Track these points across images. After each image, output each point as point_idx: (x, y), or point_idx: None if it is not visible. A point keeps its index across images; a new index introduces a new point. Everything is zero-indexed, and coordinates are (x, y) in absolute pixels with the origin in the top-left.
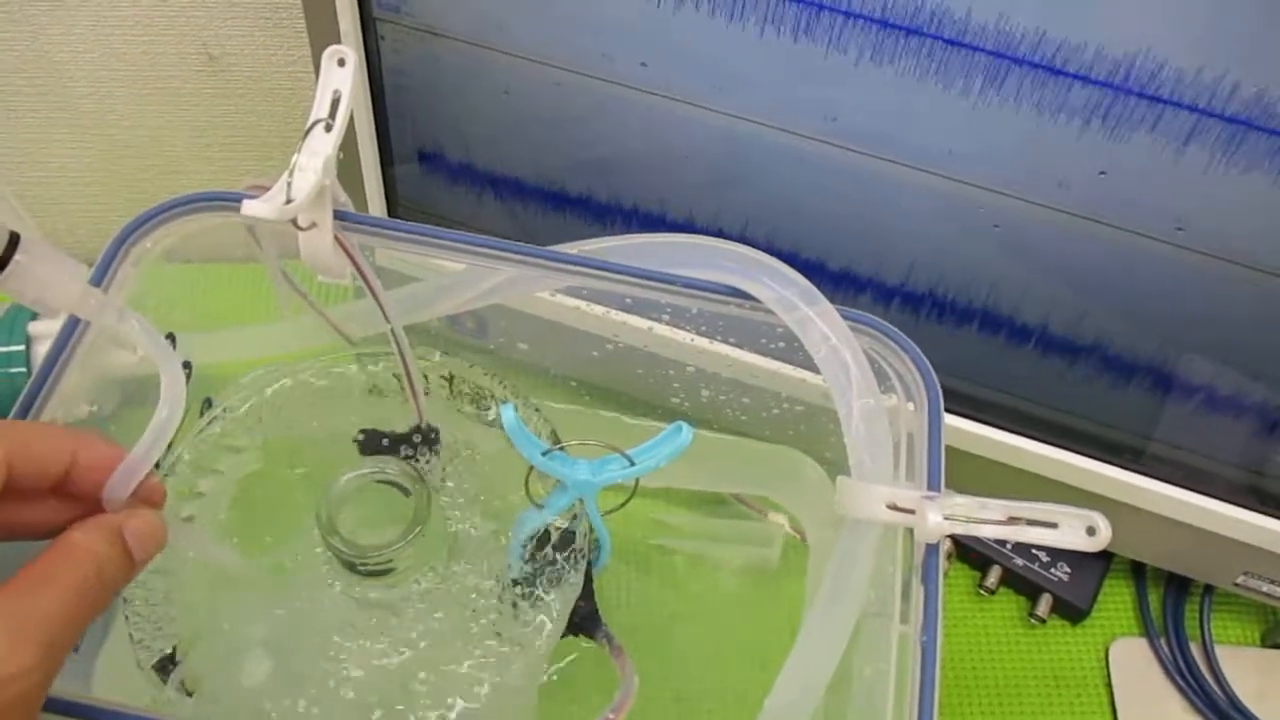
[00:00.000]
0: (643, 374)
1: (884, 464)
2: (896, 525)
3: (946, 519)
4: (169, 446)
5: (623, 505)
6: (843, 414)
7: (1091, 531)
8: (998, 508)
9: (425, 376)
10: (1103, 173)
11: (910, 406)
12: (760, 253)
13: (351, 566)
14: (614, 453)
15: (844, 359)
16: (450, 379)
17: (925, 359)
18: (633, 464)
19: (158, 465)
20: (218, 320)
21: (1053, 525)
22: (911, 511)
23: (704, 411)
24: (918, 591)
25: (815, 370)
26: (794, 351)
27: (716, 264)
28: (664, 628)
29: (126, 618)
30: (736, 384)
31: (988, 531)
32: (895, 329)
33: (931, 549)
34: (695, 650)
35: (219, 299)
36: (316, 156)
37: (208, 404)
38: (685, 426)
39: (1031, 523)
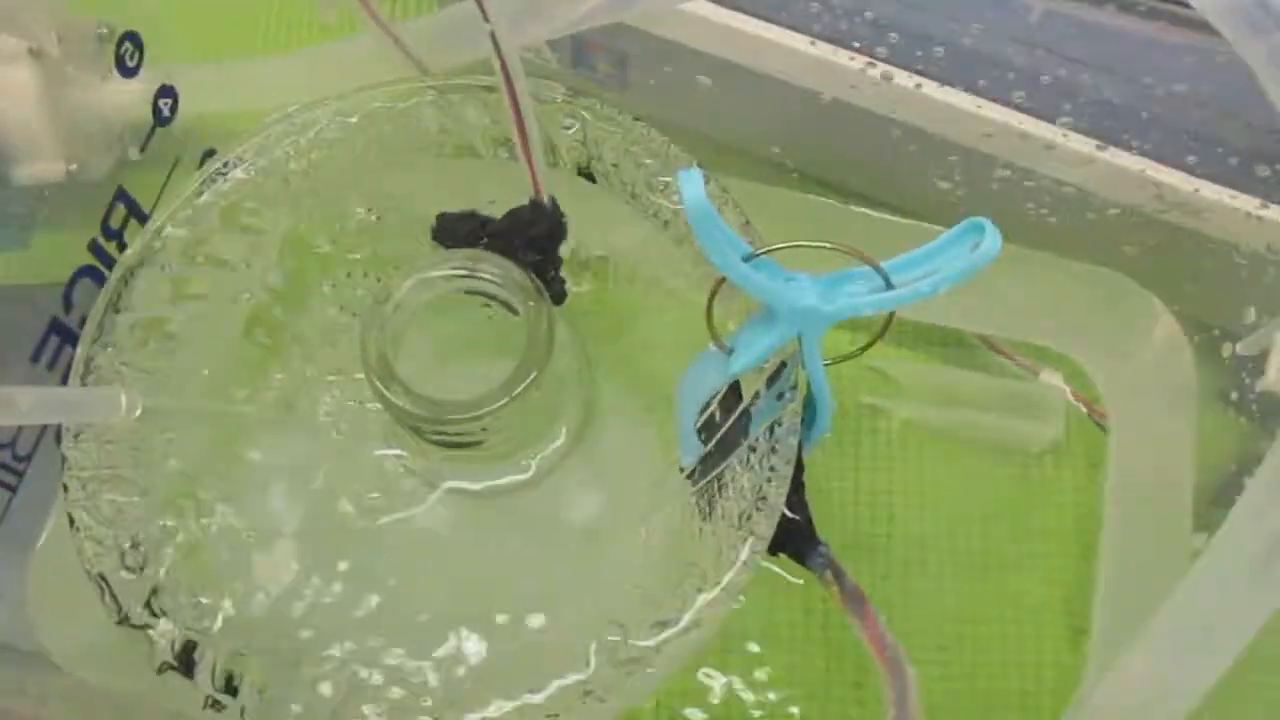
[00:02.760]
0: (881, 145)
1: None
2: None
3: None
4: (149, 217)
5: (862, 350)
6: None
7: None
8: None
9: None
10: None
11: None
12: None
13: (420, 433)
14: (857, 264)
15: None
16: (584, 139)
17: None
18: (889, 285)
19: (122, 248)
20: (229, 49)
21: None
22: None
23: (980, 206)
24: None
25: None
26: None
27: None
28: (880, 540)
29: (66, 487)
30: (1047, 184)
31: None
32: None
33: None
34: (927, 579)
35: (232, 20)
36: None
37: (210, 157)
38: (988, 226)
39: None
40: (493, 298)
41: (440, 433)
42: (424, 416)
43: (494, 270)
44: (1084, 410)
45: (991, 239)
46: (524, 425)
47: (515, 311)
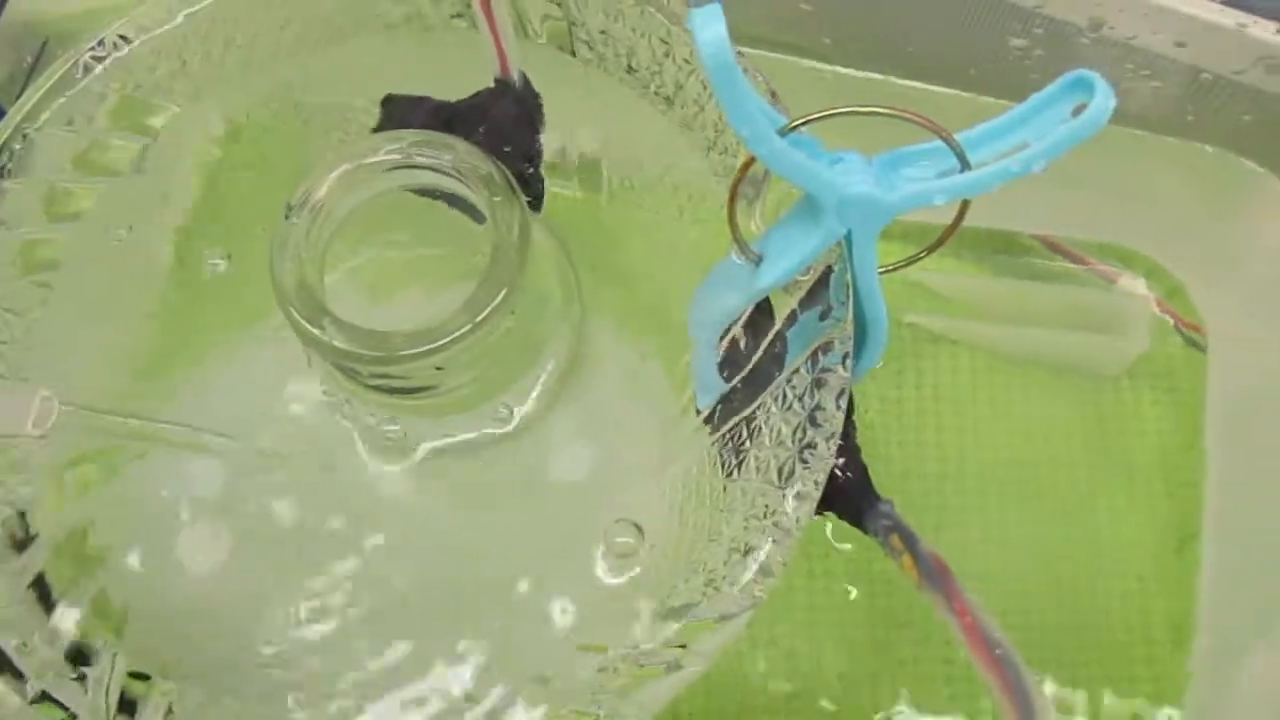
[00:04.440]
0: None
1: None
2: None
3: None
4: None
5: (930, 251)
6: None
7: None
8: None
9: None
10: None
11: None
12: None
13: (355, 376)
14: (917, 141)
15: None
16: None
17: None
18: (965, 165)
19: None
20: None
21: None
22: None
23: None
24: None
25: None
26: None
27: None
28: (931, 483)
29: None
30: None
31: None
32: None
33: None
34: (988, 526)
35: None
36: None
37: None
38: (1098, 81)
39: None
40: (448, 197)
41: (383, 375)
42: (362, 351)
43: (446, 156)
44: (1172, 323)
45: (1103, 98)
46: (495, 362)
47: (478, 217)
